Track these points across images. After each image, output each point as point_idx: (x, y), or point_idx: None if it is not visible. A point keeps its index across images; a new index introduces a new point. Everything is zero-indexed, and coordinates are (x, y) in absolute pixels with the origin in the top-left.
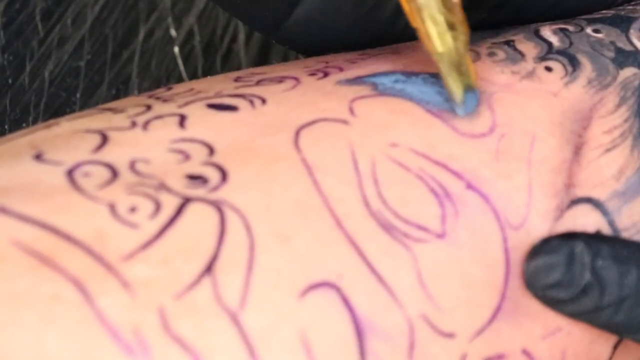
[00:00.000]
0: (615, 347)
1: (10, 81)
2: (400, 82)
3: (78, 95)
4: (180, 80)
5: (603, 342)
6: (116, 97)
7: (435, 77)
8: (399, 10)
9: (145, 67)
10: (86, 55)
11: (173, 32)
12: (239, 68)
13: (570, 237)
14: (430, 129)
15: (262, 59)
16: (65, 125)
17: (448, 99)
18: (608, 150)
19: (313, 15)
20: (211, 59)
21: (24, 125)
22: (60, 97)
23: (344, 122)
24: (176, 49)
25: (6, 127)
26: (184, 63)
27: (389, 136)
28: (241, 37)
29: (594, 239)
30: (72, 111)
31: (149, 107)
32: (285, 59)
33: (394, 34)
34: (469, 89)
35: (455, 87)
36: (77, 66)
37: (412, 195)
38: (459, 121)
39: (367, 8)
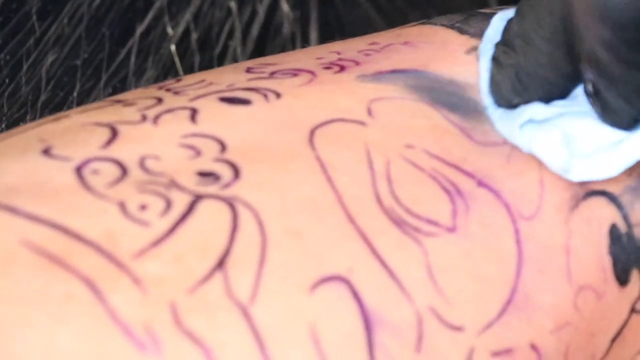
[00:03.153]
0: (613, 340)
1: (7, 80)
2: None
3: (75, 94)
4: None
5: (603, 336)
6: (113, 95)
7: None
8: None
9: (142, 66)
10: (83, 54)
11: (169, 30)
12: None
13: None
14: (446, 134)
15: (258, 56)
16: (75, 118)
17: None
18: None
19: None
20: (207, 56)
21: (21, 124)
22: (57, 96)
23: (361, 123)
24: (173, 47)
25: (3, 126)
26: (181, 61)
27: (405, 139)
28: (237, 34)
29: None
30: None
31: (160, 100)
32: None
33: None
34: None
35: None
36: (73, 65)
37: (424, 194)
38: (475, 131)
39: None
